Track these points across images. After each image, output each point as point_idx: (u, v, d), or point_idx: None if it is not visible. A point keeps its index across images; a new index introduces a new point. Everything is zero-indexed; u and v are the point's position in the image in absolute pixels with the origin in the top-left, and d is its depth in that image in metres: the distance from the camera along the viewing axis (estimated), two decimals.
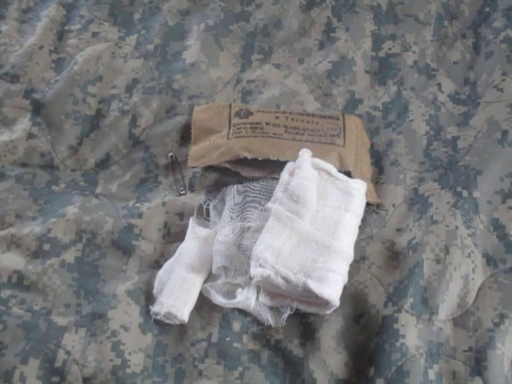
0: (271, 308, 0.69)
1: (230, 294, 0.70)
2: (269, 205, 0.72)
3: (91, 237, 0.75)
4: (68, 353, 0.67)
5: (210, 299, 0.70)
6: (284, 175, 0.74)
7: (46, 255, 0.74)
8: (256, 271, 0.67)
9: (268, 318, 0.69)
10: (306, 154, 0.74)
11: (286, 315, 0.69)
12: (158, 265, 0.73)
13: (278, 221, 0.70)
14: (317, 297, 0.66)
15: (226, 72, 0.93)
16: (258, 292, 0.69)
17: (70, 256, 0.74)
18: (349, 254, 0.70)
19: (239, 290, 0.69)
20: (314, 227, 0.70)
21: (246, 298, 0.69)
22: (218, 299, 0.69)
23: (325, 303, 0.68)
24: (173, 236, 0.76)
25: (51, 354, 0.67)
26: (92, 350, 0.67)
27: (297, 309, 0.69)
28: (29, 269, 0.73)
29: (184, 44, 0.94)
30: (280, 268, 0.67)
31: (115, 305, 0.69)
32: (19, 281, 0.72)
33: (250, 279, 0.69)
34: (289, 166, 0.75)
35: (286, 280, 0.66)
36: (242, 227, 0.73)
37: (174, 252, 0.74)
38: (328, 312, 0.69)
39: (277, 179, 0.75)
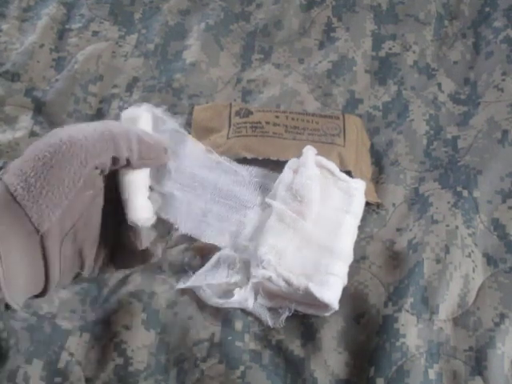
0: (270, 309, 0.69)
1: (228, 294, 0.70)
2: (269, 201, 0.71)
3: None
4: (71, 355, 0.67)
5: (205, 300, 0.70)
6: (287, 173, 0.73)
7: None
8: (258, 273, 0.67)
9: (267, 318, 0.69)
10: (310, 151, 0.74)
11: (284, 316, 0.68)
12: (160, 270, 0.73)
13: (281, 221, 0.70)
14: (317, 299, 0.66)
15: (226, 71, 0.93)
16: (257, 293, 0.69)
17: None
18: (349, 256, 0.70)
19: (237, 289, 0.69)
20: (316, 228, 0.70)
21: (245, 299, 0.69)
22: (214, 300, 0.69)
23: (324, 306, 0.68)
24: (174, 240, 0.76)
25: (55, 355, 0.67)
26: (95, 352, 0.67)
27: (296, 310, 0.69)
28: None
29: (184, 43, 0.95)
30: (282, 271, 0.67)
31: (118, 308, 0.70)
32: None
33: (248, 278, 0.69)
34: (292, 163, 0.73)
35: (288, 283, 0.66)
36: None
37: (176, 255, 0.74)
38: (327, 314, 0.69)
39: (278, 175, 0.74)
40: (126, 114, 0.64)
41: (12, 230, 0.51)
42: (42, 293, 0.55)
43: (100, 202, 0.58)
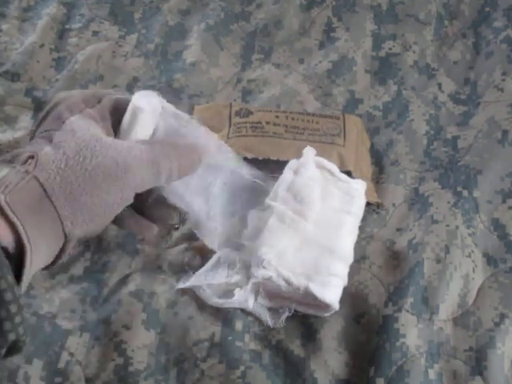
0: (270, 309, 0.69)
1: (228, 294, 0.69)
2: (269, 202, 0.70)
3: (98, 243, 0.75)
4: (71, 354, 0.67)
5: (205, 300, 0.70)
6: (287, 173, 0.72)
7: (55, 272, 0.73)
8: (258, 273, 0.67)
9: (267, 318, 0.69)
10: (310, 152, 0.73)
11: (284, 316, 0.68)
12: (160, 270, 0.73)
13: (281, 221, 0.69)
14: (317, 300, 0.66)
15: (226, 71, 0.93)
16: (257, 293, 0.69)
17: (78, 269, 0.74)
18: (350, 257, 0.70)
19: (237, 289, 0.69)
20: (316, 229, 0.70)
21: (245, 299, 0.68)
22: (214, 300, 0.69)
23: (325, 306, 0.67)
24: (175, 240, 0.76)
25: (55, 355, 0.67)
26: (95, 352, 0.67)
27: (296, 310, 0.68)
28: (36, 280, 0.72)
29: (184, 43, 0.95)
30: (282, 270, 0.67)
31: (118, 308, 0.69)
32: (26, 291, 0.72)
33: (248, 278, 0.69)
34: (292, 164, 0.73)
35: (288, 283, 0.66)
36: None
37: (176, 255, 0.74)
38: (327, 314, 0.69)
39: (276, 177, 0.74)
40: (136, 101, 0.63)
41: (43, 233, 0.52)
42: (44, 269, 0.56)
43: None
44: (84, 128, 0.56)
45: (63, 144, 0.54)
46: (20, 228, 0.50)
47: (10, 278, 0.47)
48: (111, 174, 0.54)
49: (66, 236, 0.53)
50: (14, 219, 0.50)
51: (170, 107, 0.66)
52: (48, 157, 0.54)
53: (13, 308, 0.47)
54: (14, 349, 0.50)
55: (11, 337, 0.48)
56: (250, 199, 0.71)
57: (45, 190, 0.52)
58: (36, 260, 0.51)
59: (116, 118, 0.60)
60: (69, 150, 0.54)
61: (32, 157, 0.54)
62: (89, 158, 0.54)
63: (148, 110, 0.62)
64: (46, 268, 0.55)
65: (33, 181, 0.52)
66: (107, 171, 0.54)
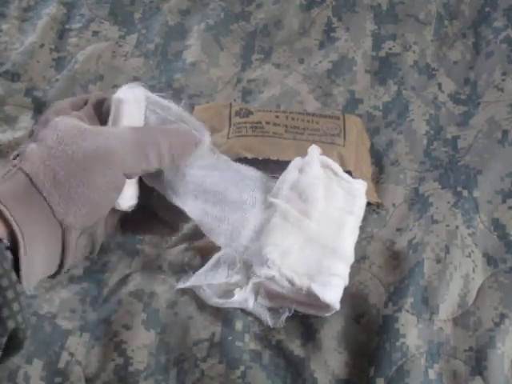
0: (270, 309, 0.69)
1: (228, 294, 0.69)
2: (272, 199, 0.69)
3: None
4: (71, 354, 0.67)
5: (205, 300, 0.70)
6: (292, 171, 0.71)
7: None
8: (261, 272, 0.67)
9: (267, 318, 0.69)
10: (315, 151, 0.72)
11: (284, 316, 0.68)
12: (160, 270, 0.73)
13: (285, 220, 0.68)
14: (319, 300, 0.66)
15: (226, 71, 0.93)
16: (257, 293, 0.69)
17: (78, 269, 0.74)
18: (351, 257, 0.70)
19: (237, 289, 0.69)
20: (320, 228, 0.70)
21: (245, 300, 0.68)
22: (214, 300, 0.69)
23: (325, 306, 0.67)
24: (175, 240, 0.76)
25: (55, 355, 0.67)
26: (95, 352, 0.67)
27: (296, 310, 0.68)
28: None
29: (184, 43, 0.95)
30: (286, 271, 0.66)
31: (118, 308, 0.69)
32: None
33: (248, 278, 0.68)
34: (297, 163, 0.72)
35: (291, 283, 0.66)
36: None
37: (176, 255, 0.74)
38: (327, 314, 0.69)
39: (277, 177, 0.74)
40: (118, 94, 0.64)
41: (36, 223, 0.52)
42: (53, 275, 0.57)
43: None
44: (67, 123, 0.57)
45: (46, 138, 0.56)
46: (7, 214, 0.50)
47: (6, 264, 0.48)
48: (94, 156, 0.55)
49: (61, 224, 0.54)
50: (3, 208, 0.51)
51: (155, 97, 0.66)
52: (32, 151, 0.55)
53: (10, 294, 0.47)
54: (15, 341, 0.50)
55: (10, 324, 0.48)
56: (252, 197, 0.71)
57: (31, 180, 0.53)
58: (31, 249, 0.51)
59: (102, 117, 0.62)
60: (51, 142, 0.56)
61: (19, 154, 0.56)
62: (69, 144, 0.55)
63: (131, 100, 0.63)
64: (60, 269, 0.56)
65: (18, 172, 0.54)
66: (89, 154, 0.55)
